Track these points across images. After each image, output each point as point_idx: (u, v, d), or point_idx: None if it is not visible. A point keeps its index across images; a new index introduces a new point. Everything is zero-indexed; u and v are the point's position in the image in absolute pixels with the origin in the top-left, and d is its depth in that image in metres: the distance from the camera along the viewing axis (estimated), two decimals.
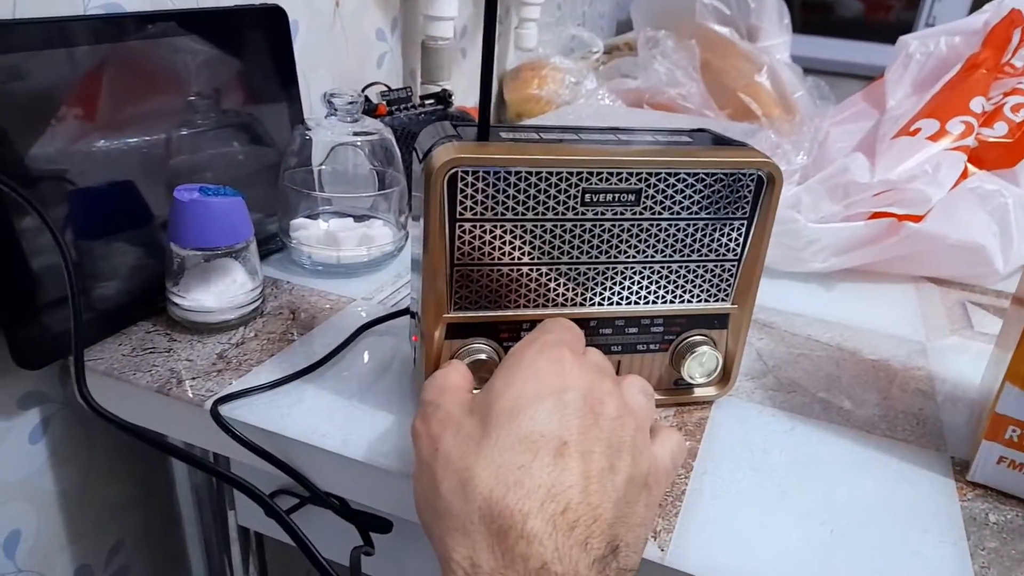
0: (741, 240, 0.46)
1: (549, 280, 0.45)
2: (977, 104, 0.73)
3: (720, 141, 0.47)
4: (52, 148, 0.51)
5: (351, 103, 0.64)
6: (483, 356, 0.45)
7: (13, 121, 0.48)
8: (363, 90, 0.82)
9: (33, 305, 0.49)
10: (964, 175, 0.72)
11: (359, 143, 0.64)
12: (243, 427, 0.45)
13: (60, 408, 0.55)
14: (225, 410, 0.46)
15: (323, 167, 0.67)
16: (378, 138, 0.65)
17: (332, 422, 0.46)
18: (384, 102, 0.78)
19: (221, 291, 0.54)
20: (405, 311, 0.57)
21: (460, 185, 0.41)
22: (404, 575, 0.52)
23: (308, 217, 0.68)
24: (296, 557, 0.54)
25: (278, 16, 0.67)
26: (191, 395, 0.47)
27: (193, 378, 0.49)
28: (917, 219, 0.68)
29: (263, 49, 0.67)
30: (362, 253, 0.65)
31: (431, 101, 0.83)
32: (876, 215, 0.70)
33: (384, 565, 0.50)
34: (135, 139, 0.59)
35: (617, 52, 1.38)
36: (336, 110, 0.64)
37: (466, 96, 1.10)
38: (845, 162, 0.71)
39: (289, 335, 0.55)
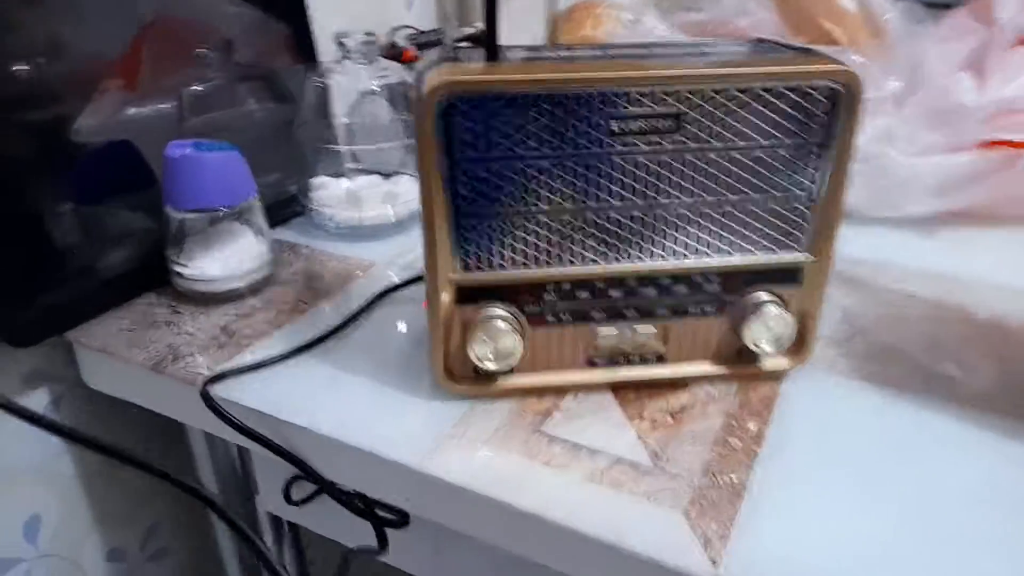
0: (815, 174, 0.37)
1: (574, 231, 0.37)
2: None
3: (787, 50, 0.38)
4: (49, 108, 0.47)
5: (366, 43, 0.57)
6: (501, 324, 0.38)
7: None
8: (390, 34, 0.75)
9: (21, 277, 0.45)
10: None
11: (377, 88, 0.58)
12: (237, 408, 0.40)
13: (71, 387, 0.52)
14: (219, 389, 0.41)
15: (345, 120, 0.62)
16: (398, 82, 0.58)
17: (333, 402, 0.40)
18: (412, 46, 0.71)
19: (227, 257, 0.49)
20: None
21: (456, 117, 0.34)
22: (423, 571, 0.47)
23: (332, 176, 0.62)
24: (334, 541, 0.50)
25: None
26: (185, 373, 0.42)
27: (191, 354, 0.44)
28: None
29: None
30: (387, 212, 0.59)
31: (466, 44, 0.75)
32: (988, 144, 0.58)
33: (402, 560, 0.45)
34: (143, 98, 0.55)
35: None
36: (349, 52, 0.57)
37: (510, 41, 1.01)
38: (946, 83, 0.60)
39: (301, 304, 0.50)
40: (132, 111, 0.56)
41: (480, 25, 0.80)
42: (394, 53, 0.71)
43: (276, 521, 0.58)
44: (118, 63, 0.52)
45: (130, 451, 0.36)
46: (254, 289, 0.51)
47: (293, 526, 0.60)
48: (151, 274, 0.51)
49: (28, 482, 0.52)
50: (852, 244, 0.59)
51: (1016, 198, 0.60)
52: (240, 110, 0.62)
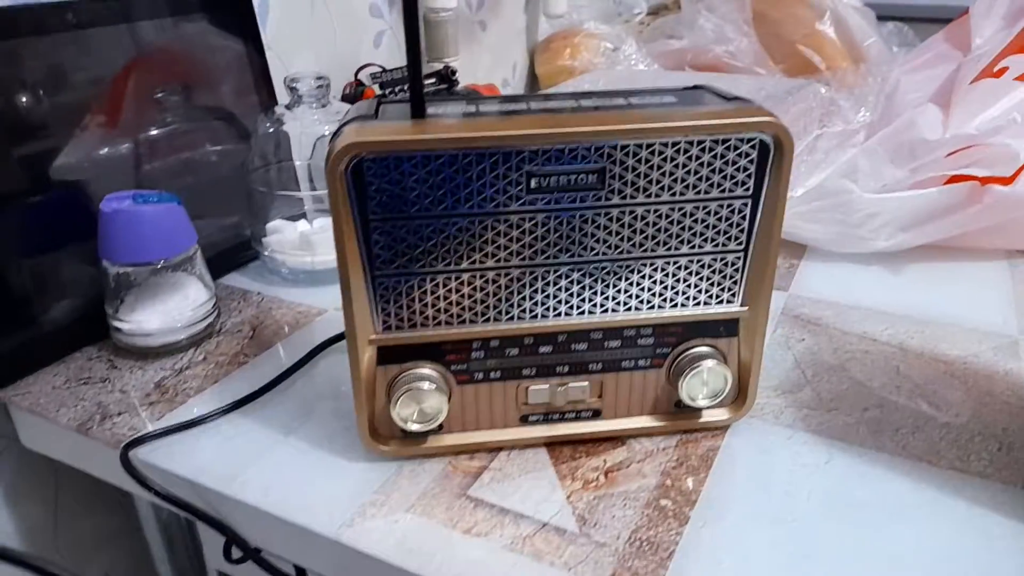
0: (745, 225, 0.36)
1: (500, 288, 0.36)
2: None
3: (719, 100, 0.37)
4: None
5: (318, 87, 0.57)
6: (426, 385, 0.36)
7: None
8: (356, 73, 0.75)
9: None
10: None
11: (327, 132, 0.57)
12: (157, 472, 0.39)
13: (9, 443, 0.51)
14: (142, 452, 0.40)
15: (302, 162, 0.61)
16: None
17: (257, 466, 0.39)
18: (375, 85, 0.71)
19: (168, 310, 0.48)
20: None
21: (368, 177, 0.33)
22: None
23: (291, 218, 0.62)
24: None
25: None
26: (110, 435, 0.41)
27: (119, 413, 0.43)
28: (1006, 181, 0.55)
29: (229, 36, 0.61)
30: None
31: (432, 80, 0.75)
32: (953, 179, 0.57)
33: None
34: (98, 143, 0.54)
35: (665, 12, 1.25)
36: (301, 96, 0.57)
37: (490, 73, 1.01)
38: (911, 115, 0.59)
39: (242, 356, 0.49)
40: (105, 151, 0.56)
41: (451, 62, 0.80)
42: (357, 92, 0.70)
43: None
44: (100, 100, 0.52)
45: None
46: (195, 341, 0.50)
47: None
48: (94, 326, 0.50)
49: None
50: (817, 282, 0.58)
51: (985, 231, 0.58)
52: (198, 152, 0.62)
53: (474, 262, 0.35)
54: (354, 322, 0.35)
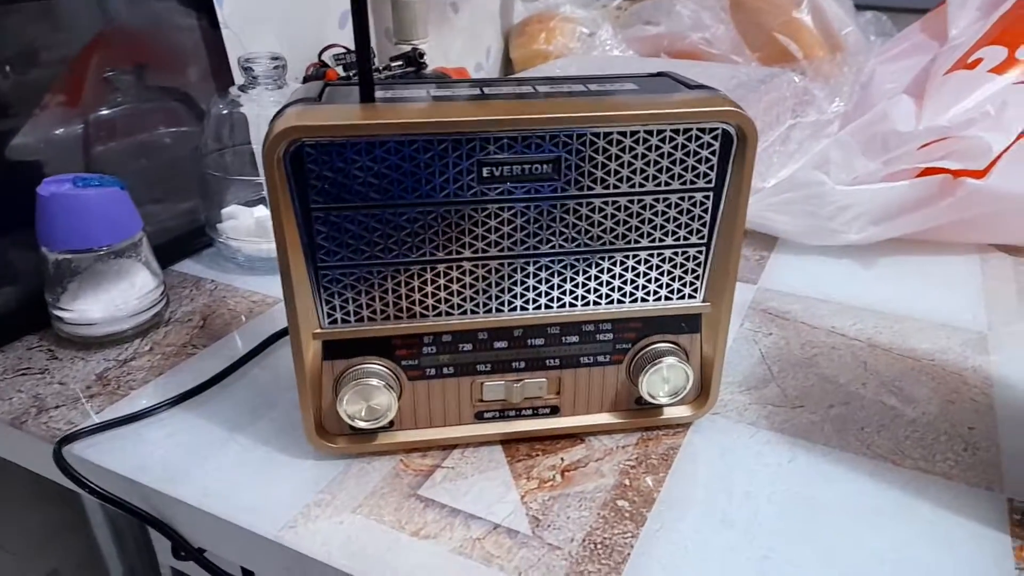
0: (707, 219, 0.35)
1: (451, 281, 0.34)
2: None
3: (680, 87, 0.36)
4: None
5: (275, 68, 0.55)
6: (373, 381, 0.35)
7: None
8: (320, 54, 0.72)
9: None
10: None
11: None
12: (94, 469, 0.37)
13: None
14: (79, 448, 0.38)
15: (256, 146, 0.59)
16: None
17: (198, 463, 0.37)
18: (339, 67, 0.68)
19: (112, 298, 0.46)
20: None
21: (308, 164, 0.31)
22: None
23: (249, 204, 0.59)
24: None
25: None
26: (45, 430, 0.39)
27: (57, 406, 0.41)
28: (978, 175, 0.54)
29: (184, 12, 0.59)
30: None
31: (399, 63, 0.72)
32: (926, 172, 0.56)
33: None
34: (57, 123, 0.52)
35: None
36: (256, 77, 0.54)
37: (462, 56, 0.99)
38: (884, 107, 0.58)
39: (191, 347, 0.47)
40: (62, 131, 0.53)
41: (419, 44, 0.78)
42: (319, 73, 0.68)
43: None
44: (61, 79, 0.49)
45: None
46: (142, 331, 0.48)
47: None
48: (37, 315, 0.48)
49: None
50: (786, 275, 0.56)
51: (956, 225, 0.58)
52: (151, 135, 0.60)
53: (423, 255, 0.33)
54: (297, 315, 0.34)
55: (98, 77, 0.56)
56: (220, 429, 0.40)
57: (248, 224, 0.57)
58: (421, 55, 0.73)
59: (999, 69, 0.56)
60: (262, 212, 0.58)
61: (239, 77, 0.60)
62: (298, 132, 0.30)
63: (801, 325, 0.50)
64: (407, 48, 0.76)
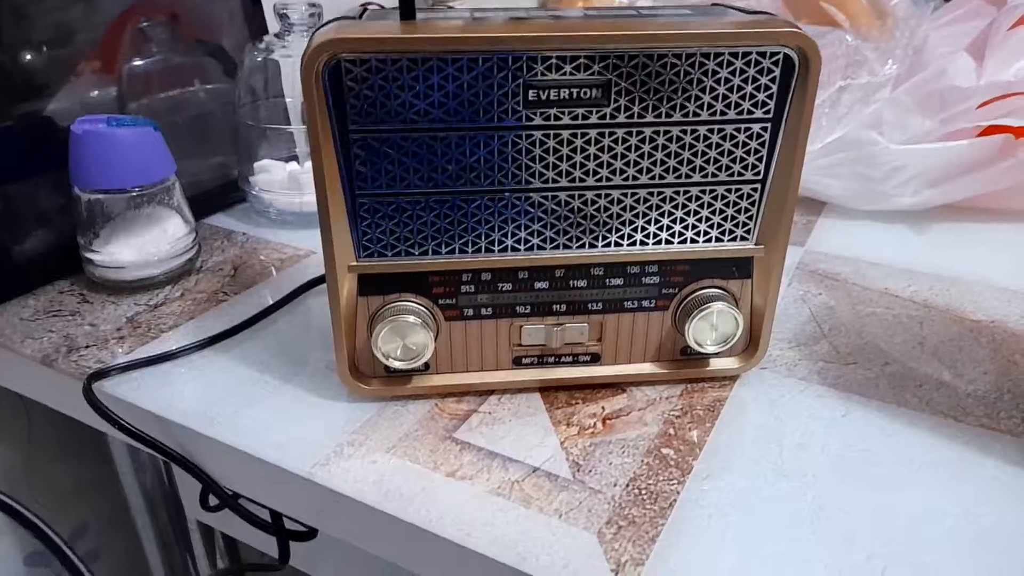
0: (764, 153, 0.33)
1: (491, 215, 0.33)
2: None
3: (739, 13, 0.34)
4: None
5: (311, 14, 0.54)
6: (410, 318, 0.34)
7: None
8: (362, 6, 0.71)
9: None
10: None
11: None
12: (124, 407, 0.37)
13: None
14: (108, 386, 0.37)
15: (291, 99, 0.58)
16: None
17: (228, 402, 0.36)
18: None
19: (144, 243, 0.46)
20: None
21: (347, 80, 0.30)
22: None
23: (283, 159, 0.58)
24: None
25: None
26: (74, 368, 0.39)
27: (87, 346, 0.41)
28: None
29: None
30: None
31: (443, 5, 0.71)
32: (986, 131, 0.53)
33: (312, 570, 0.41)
34: (91, 87, 0.52)
35: None
36: (292, 25, 0.53)
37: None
38: (942, 64, 0.55)
39: (222, 294, 0.46)
40: (96, 94, 0.53)
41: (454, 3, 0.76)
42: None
43: (206, 529, 0.54)
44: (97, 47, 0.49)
45: None
46: (173, 278, 0.47)
47: (228, 537, 0.57)
48: (69, 260, 0.47)
49: None
50: (835, 239, 0.54)
51: (1016, 190, 0.55)
52: (184, 90, 0.59)
53: (464, 183, 0.32)
54: (332, 247, 0.33)
55: (133, 30, 0.55)
56: (251, 371, 0.39)
57: (281, 177, 0.56)
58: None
59: None
60: (294, 167, 0.57)
61: (274, 27, 0.59)
62: (338, 46, 0.29)
63: (852, 286, 0.48)
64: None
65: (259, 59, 0.54)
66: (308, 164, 0.58)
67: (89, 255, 0.45)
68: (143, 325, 0.43)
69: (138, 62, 0.56)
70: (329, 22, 0.31)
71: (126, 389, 0.37)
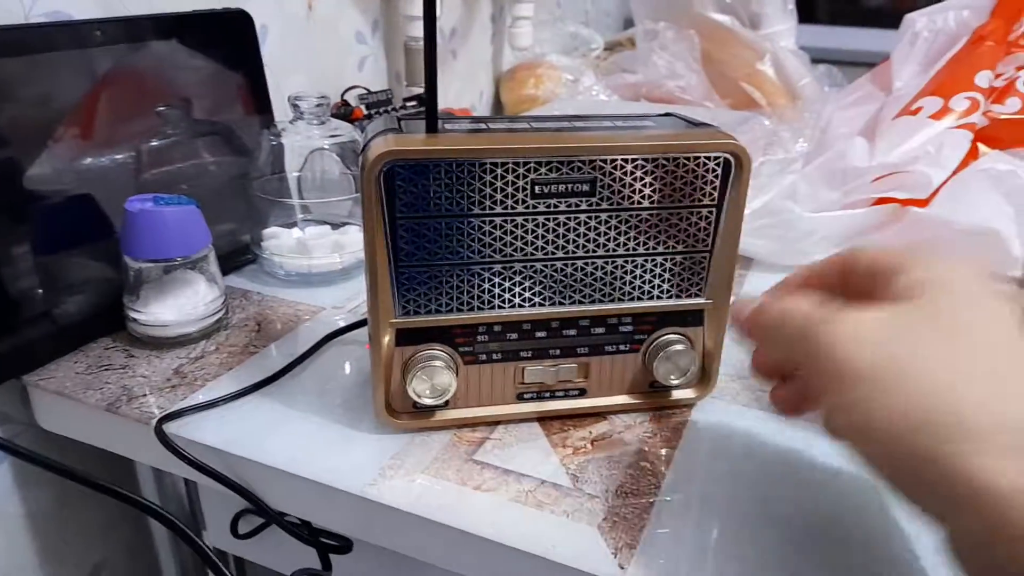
0: (711, 229, 0.43)
1: (503, 280, 0.42)
2: (983, 79, 0.68)
3: (687, 125, 0.44)
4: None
5: (318, 105, 0.62)
6: (437, 363, 0.42)
7: None
8: (342, 94, 0.80)
9: None
10: (974, 155, 0.67)
11: (327, 146, 0.62)
12: (188, 444, 0.43)
13: (24, 428, 0.54)
14: (172, 427, 0.44)
15: (297, 174, 0.66)
16: (348, 140, 0.63)
17: (282, 438, 0.43)
18: (362, 106, 0.76)
19: (181, 304, 0.52)
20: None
21: (397, 181, 0.38)
22: None
23: (284, 226, 0.66)
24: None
25: (244, 21, 0.65)
26: (139, 413, 0.45)
27: (144, 395, 0.47)
28: (922, 203, 0.64)
29: (230, 56, 0.66)
30: (335, 260, 0.63)
31: (413, 103, 0.80)
32: (879, 201, 0.66)
33: None
34: (99, 149, 0.58)
35: (620, 48, 1.34)
36: (302, 113, 0.62)
37: (459, 98, 1.07)
38: (843, 147, 0.67)
39: (252, 347, 0.53)
40: (88, 161, 0.59)
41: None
42: (345, 111, 0.76)
43: (221, 556, 0.60)
44: (74, 113, 0.55)
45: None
46: (206, 334, 0.54)
47: (239, 562, 0.62)
48: (106, 320, 0.54)
49: None
50: (763, 288, 0.65)
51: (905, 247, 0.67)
52: (196, 163, 0.66)
53: (484, 257, 0.41)
54: (378, 308, 0.41)
55: (150, 112, 0.62)
56: (294, 411, 0.46)
57: (289, 243, 0.63)
58: None
59: (936, 116, 0.66)
60: (299, 233, 0.65)
61: (278, 113, 0.67)
62: (392, 155, 0.37)
63: None
64: (418, 90, 0.84)
65: (273, 143, 0.62)
66: (310, 231, 0.65)
67: (134, 315, 0.52)
68: (189, 376, 0.49)
69: (156, 142, 0.63)
70: (377, 134, 0.40)
71: (189, 429, 0.44)
